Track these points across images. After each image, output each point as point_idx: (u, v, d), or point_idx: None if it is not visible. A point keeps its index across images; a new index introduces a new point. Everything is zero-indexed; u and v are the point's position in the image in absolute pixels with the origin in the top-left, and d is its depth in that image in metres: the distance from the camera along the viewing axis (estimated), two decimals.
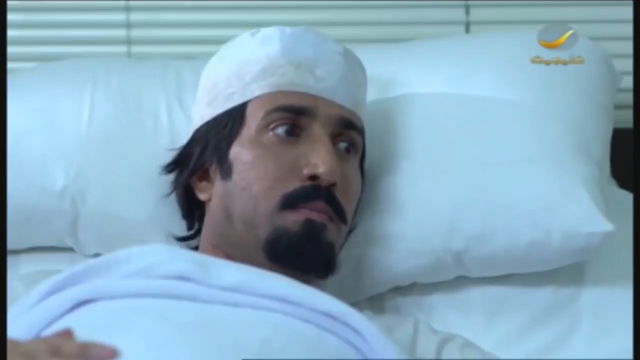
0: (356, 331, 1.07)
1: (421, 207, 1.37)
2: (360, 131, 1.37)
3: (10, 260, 1.48)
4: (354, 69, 1.38)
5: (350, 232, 1.39)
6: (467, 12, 1.88)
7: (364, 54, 1.49)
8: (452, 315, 1.38)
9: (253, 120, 1.32)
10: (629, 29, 1.57)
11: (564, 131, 1.41)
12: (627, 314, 1.29)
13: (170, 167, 1.41)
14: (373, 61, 1.51)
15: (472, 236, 1.34)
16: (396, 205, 1.38)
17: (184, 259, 1.12)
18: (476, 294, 1.38)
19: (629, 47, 1.57)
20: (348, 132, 1.34)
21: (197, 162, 1.36)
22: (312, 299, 1.08)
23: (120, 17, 1.93)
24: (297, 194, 1.28)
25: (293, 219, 1.27)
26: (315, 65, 1.34)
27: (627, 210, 1.43)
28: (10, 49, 1.69)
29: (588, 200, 1.32)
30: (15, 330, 1.06)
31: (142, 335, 1.01)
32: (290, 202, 1.28)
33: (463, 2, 1.87)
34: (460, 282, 1.39)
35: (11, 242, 1.47)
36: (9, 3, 1.77)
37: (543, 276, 1.36)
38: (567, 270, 1.36)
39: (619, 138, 1.53)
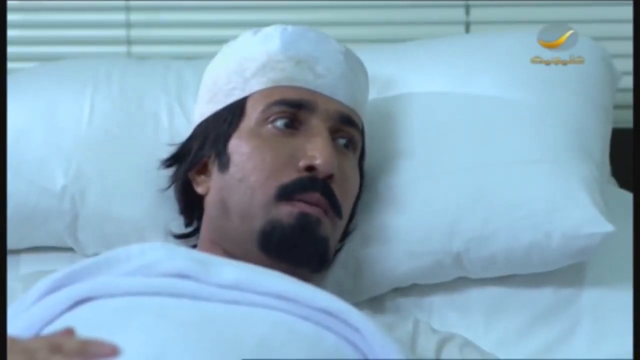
0: (355, 329, 1.06)
1: (421, 209, 1.37)
2: (360, 129, 1.37)
3: (10, 260, 1.48)
4: (355, 69, 1.39)
5: (349, 232, 1.39)
6: (467, 12, 1.88)
7: (364, 54, 1.49)
8: (452, 316, 1.38)
9: (252, 113, 1.33)
10: (629, 29, 1.57)
11: (564, 132, 1.41)
12: (626, 314, 1.29)
13: (169, 162, 1.42)
14: (373, 61, 1.51)
15: (472, 238, 1.34)
16: (396, 207, 1.38)
17: (183, 256, 1.11)
18: (476, 295, 1.38)
19: (629, 47, 1.57)
20: (347, 128, 1.34)
21: (196, 156, 1.37)
22: (311, 296, 1.08)
23: (120, 17, 1.94)
24: (293, 185, 1.28)
25: (287, 211, 1.27)
26: (315, 62, 1.35)
27: (627, 210, 1.43)
28: (10, 49, 1.69)
29: (588, 201, 1.32)
30: (15, 328, 1.06)
31: (141, 333, 1.01)
32: (285, 193, 1.28)
33: (463, 2, 1.87)
34: (460, 282, 1.39)
35: (11, 242, 1.47)
36: (8, 3, 1.77)
37: (543, 276, 1.36)
38: (566, 271, 1.35)
39: (619, 138, 1.53)
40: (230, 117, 1.34)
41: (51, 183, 1.46)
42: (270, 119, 1.32)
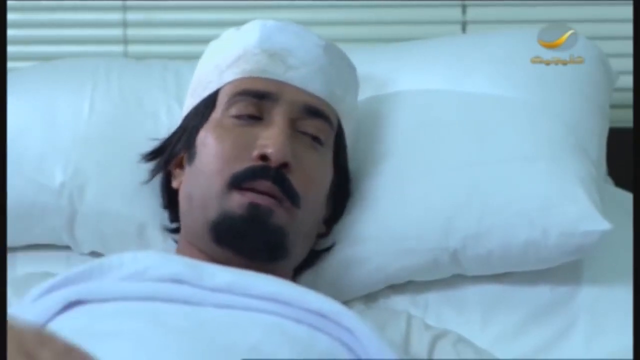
0: (348, 330, 1.06)
1: (417, 206, 1.36)
2: (329, 122, 1.35)
3: (7, 258, 1.47)
4: (336, 63, 1.38)
5: (330, 227, 1.38)
6: (464, 12, 1.87)
7: (360, 53, 1.49)
8: (448, 313, 1.37)
9: (220, 104, 1.34)
10: (628, 29, 1.57)
11: (560, 129, 1.41)
12: (623, 312, 1.29)
13: (150, 156, 1.42)
14: (369, 61, 1.51)
15: (468, 235, 1.34)
16: (392, 204, 1.37)
17: (176, 262, 1.11)
18: (472, 292, 1.38)
19: (628, 46, 1.57)
20: (312, 120, 1.33)
21: (173, 149, 1.37)
22: (303, 298, 1.07)
23: (116, 16, 1.94)
24: (244, 173, 1.27)
25: (237, 202, 1.26)
26: (289, 55, 1.34)
27: (624, 208, 1.43)
28: (8, 48, 1.69)
29: (585, 199, 1.32)
30: None
31: (133, 338, 1.01)
32: (237, 181, 1.26)
33: (460, 2, 1.87)
34: (456, 279, 1.38)
35: (8, 239, 1.46)
36: (8, 3, 1.77)
37: (540, 274, 1.36)
38: (563, 268, 1.35)
39: (618, 138, 1.53)
40: (203, 109, 1.35)
41: (49, 180, 1.45)
42: (234, 109, 1.32)
